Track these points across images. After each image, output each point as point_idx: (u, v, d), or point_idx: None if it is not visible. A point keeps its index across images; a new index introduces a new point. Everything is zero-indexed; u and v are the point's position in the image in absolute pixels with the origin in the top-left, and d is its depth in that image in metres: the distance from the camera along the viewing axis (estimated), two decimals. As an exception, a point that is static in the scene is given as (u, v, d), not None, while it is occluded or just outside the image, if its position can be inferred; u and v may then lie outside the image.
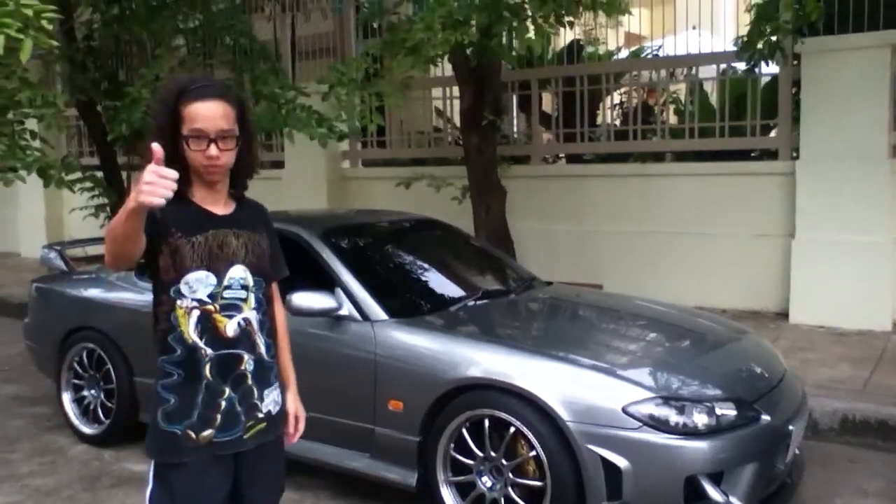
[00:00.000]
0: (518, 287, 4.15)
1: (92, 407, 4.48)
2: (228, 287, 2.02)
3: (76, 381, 4.58)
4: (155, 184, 1.65)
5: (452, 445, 3.18)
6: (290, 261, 3.99)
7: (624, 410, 2.86)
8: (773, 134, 7.01)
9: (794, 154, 6.54)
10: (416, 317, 3.56)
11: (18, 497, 3.78)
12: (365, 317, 3.51)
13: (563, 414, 2.90)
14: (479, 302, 3.82)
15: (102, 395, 4.45)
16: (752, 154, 7.20)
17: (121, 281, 4.44)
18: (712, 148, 7.00)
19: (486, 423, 3.08)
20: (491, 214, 6.89)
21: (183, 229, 1.98)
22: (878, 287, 5.88)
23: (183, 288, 1.99)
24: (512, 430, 3.02)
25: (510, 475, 3.06)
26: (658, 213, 6.96)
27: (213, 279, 2.00)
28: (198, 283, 1.99)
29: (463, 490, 3.18)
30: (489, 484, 3.11)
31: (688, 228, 6.80)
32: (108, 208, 7.74)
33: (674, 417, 2.85)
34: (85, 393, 4.54)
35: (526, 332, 3.57)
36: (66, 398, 4.60)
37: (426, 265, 4.10)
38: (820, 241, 6.09)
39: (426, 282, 3.94)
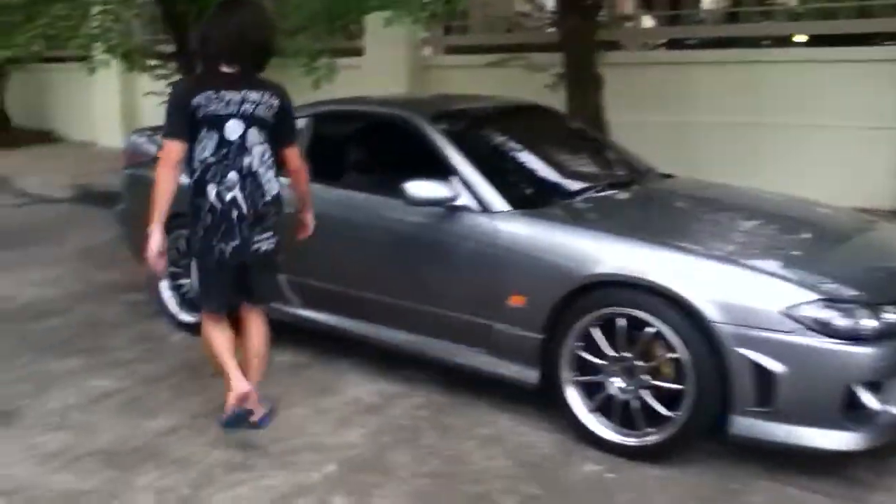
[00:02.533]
0: (639, 178, 3.84)
1: (190, 296, 4.41)
2: None
3: (174, 269, 4.50)
4: None
5: (580, 344, 2.97)
6: (397, 147, 3.78)
7: (784, 312, 2.59)
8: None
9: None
10: (540, 208, 3.31)
11: (127, 383, 3.76)
12: (485, 208, 3.28)
13: (713, 314, 2.66)
14: (602, 193, 3.55)
15: (201, 284, 4.37)
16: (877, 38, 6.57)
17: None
18: (835, 31, 6.38)
19: (619, 322, 2.86)
20: (587, 104, 6.49)
21: None
22: None
23: None
24: (650, 330, 2.79)
25: (644, 377, 2.85)
26: (764, 104, 6.45)
27: None
28: None
29: (589, 391, 3.00)
30: (620, 385, 2.92)
31: (796, 120, 6.29)
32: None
33: (838, 321, 2.58)
34: (183, 281, 4.46)
35: (660, 226, 3.26)
36: (165, 286, 4.54)
37: (542, 153, 3.80)
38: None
39: (545, 171, 3.65)
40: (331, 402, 3.50)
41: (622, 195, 3.59)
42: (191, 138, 2.92)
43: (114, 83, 10.69)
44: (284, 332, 4.15)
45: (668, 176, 4.06)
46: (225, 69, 2.94)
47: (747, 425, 2.68)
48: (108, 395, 3.65)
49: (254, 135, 2.94)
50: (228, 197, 2.92)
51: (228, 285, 3.06)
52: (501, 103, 4.38)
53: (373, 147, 4.19)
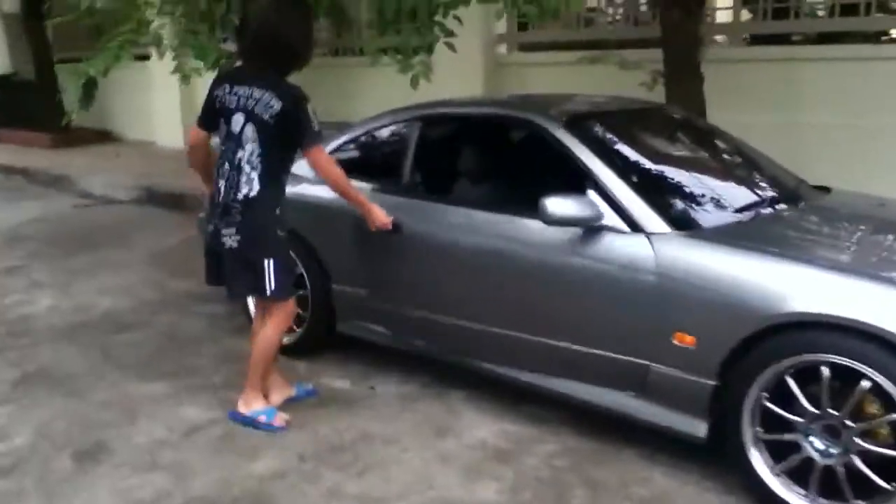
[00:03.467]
0: (801, 193, 3.36)
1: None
2: None
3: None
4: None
5: (767, 395, 2.51)
6: (521, 156, 3.34)
7: None
8: None
9: None
10: (703, 229, 2.85)
11: (219, 413, 3.39)
12: (636, 228, 2.83)
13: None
14: (770, 211, 3.07)
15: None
16: None
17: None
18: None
19: (823, 371, 2.39)
20: (690, 104, 5.99)
21: None
22: None
23: None
24: (865, 383, 2.32)
25: (856, 439, 2.38)
26: (882, 104, 5.88)
27: None
28: None
29: (778, 450, 2.53)
30: (821, 447, 2.45)
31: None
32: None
33: None
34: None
35: (857, 252, 2.76)
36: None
37: (688, 162, 3.34)
38: None
39: (698, 183, 3.17)
40: (451, 445, 3.08)
41: (793, 213, 3.11)
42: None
43: (173, 81, 10.40)
44: (388, 357, 3.77)
45: (824, 188, 3.56)
46: (244, 64, 3.15)
47: None
48: (200, 428, 3.28)
49: (250, 131, 3.03)
50: (219, 184, 3.11)
51: (214, 268, 3.26)
52: (626, 105, 3.92)
53: (491, 156, 3.77)
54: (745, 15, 7.32)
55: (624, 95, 5.81)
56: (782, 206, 3.13)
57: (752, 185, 3.33)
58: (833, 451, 2.42)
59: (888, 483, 2.32)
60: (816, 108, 6.17)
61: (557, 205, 2.83)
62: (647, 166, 3.19)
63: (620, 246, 2.82)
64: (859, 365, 2.31)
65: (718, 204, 3.06)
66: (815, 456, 2.45)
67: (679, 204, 3.00)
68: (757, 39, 7.19)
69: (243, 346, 4.10)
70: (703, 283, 2.62)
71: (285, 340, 4.01)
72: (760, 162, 3.62)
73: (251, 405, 3.29)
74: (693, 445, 2.74)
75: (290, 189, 3.92)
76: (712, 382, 2.61)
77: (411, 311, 3.48)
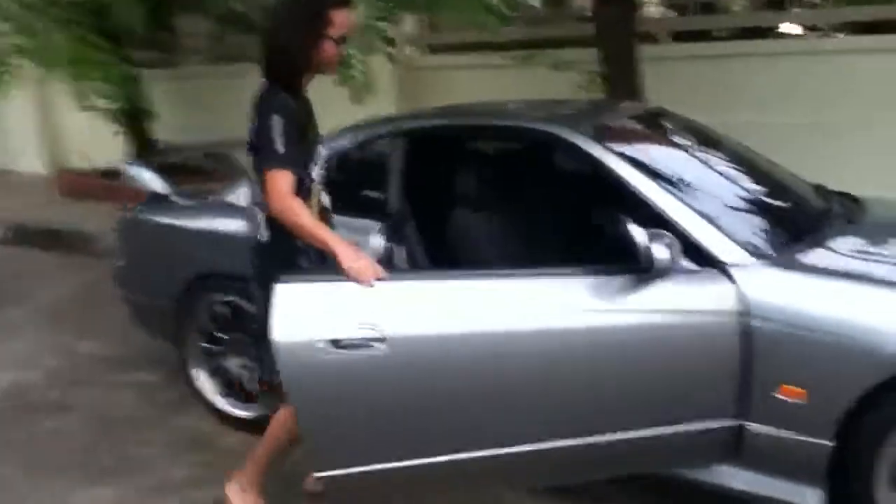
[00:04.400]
0: (847, 206, 3.04)
1: (244, 380, 3.36)
2: None
3: (208, 346, 3.45)
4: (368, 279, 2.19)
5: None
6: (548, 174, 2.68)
7: None
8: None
9: None
10: (789, 255, 2.44)
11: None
12: (709, 260, 2.37)
13: None
14: (844, 230, 2.72)
15: (253, 364, 3.32)
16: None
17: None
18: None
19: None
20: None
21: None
22: None
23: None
24: None
25: None
26: (823, 101, 5.80)
27: None
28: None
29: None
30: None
31: (862, 118, 5.67)
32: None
33: None
34: (228, 363, 3.41)
35: None
36: (198, 371, 3.47)
37: (729, 176, 2.91)
38: None
39: (757, 204, 2.78)
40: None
41: (864, 229, 2.75)
42: None
43: (29, 101, 9.23)
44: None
45: (850, 196, 3.25)
46: None
47: None
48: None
49: (252, 161, 2.42)
50: None
51: None
52: (633, 110, 3.48)
53: (507, 189, 3.22)
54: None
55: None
56: (847, 223, 2.79)
57: (799, 200, 2.97)
58: None
59: None
60: (751, 107, 6.02)
61: (658, 248, 2.19)
62: (700, 184, 2.73)
63: (689, 284, 2.34)
64: None
65: (782, 223, 2.68)
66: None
67: (750, 228, 2.56)
68: (682, 36, 7.02)
69: (200, 425, 3.41)
70: (807, 322, 2.20)
71: (244, 414, 3.37)
72: (779, 170, 3.28)
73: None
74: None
75: (232, 224, 3.31)
76: (829, 443, 2.20)
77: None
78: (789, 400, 2.24)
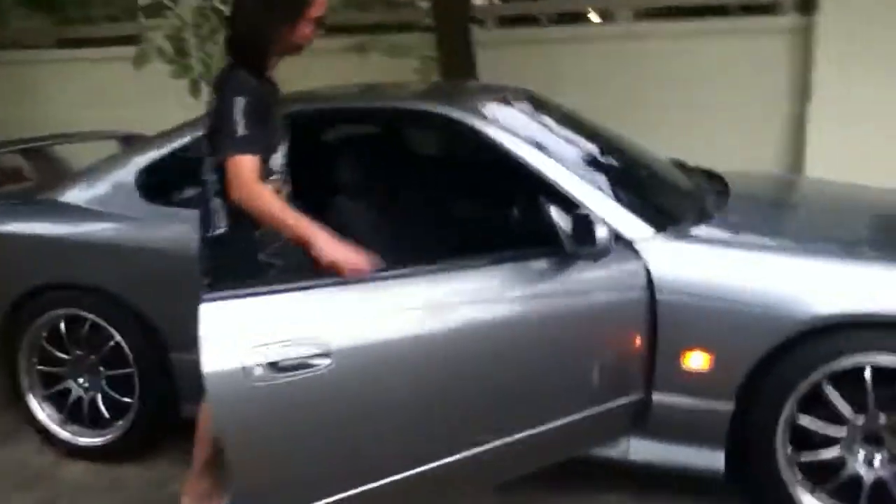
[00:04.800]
0: (708, 177, 3.15)
1: (86, 403, 2.96)
2: None
3: (44, 368, 3.00)
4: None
5: (797, 414, 2.23)
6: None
7: None
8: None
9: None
10: (684, 229, 2.45)
11: None
12: (617, 238, 2.30)
13: None
14: (733, 201, 2.80)
15: (105, 384, 2.94)
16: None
17: (121, 207, 2.86)
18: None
19: (868, 373, 2.16)
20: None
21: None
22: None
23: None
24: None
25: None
26: (643, 84, 6.11)
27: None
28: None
29: (812, 473, 2.27)
30: (877, 462, 2.22)
31: (681, 99, 6.02)
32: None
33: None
34: (71, 385, 2.98)
35: (847, 236, 2.56)
36: (34, 394, 3.01)
37: (614, 156, 2.89)
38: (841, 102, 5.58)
39: (642, 179, 2.78)
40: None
41: (741, 203, 2.83)
42: None
43: None
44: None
45: (708, 171, 3.37)
46: None
47: None
48: None
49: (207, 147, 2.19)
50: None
51: None
52: (495, 91, 3.39)
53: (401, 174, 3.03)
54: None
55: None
56: (728, 196, 2.86)
57: (677, 178, 3.03)
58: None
59: None
60: (575, 91, 6.19)
61: (600, 228, 2.10)
62: (591, 165, 2.70)
63: (605, 265, 2.26)
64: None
65: (678, 198, 2.72)
66: (861, 473, 2.23)
67: (645, 205, 2.53)
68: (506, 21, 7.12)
69: (31, 458, 3.00)
70: (711, 292, 2.25)
71: (98, 441, 2.97)
72: (646, 150, 3.35)
73: None
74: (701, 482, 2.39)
75: (74, 228, 2.90)
76: (728, 407, 2.27)
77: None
78: (694, 368, 2.28)
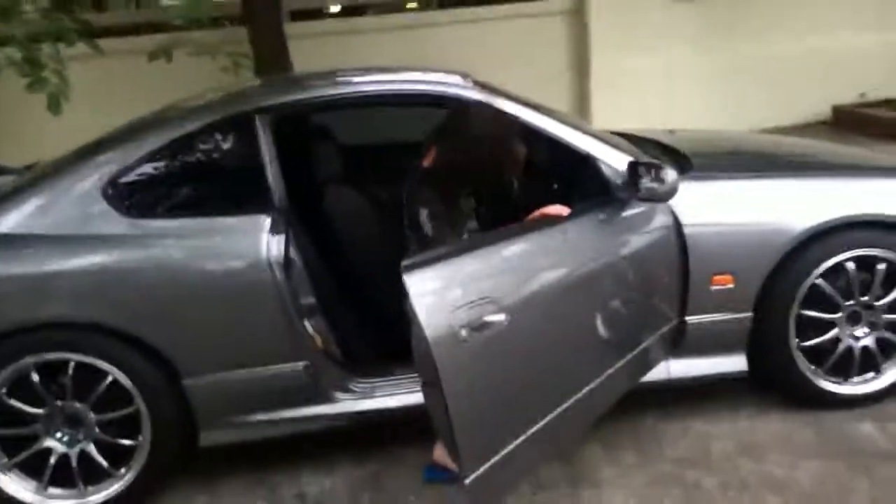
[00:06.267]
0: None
1: (73, 458, 2.56)
2: None
3: (7, 432, 2.54)
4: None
5: (800, 305, 2.70)
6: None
7: None
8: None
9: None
10: (695, 174, 2.79)
11: None
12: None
13: None
14: (691, 154, 3.11)
15: (98, 431, 2.56)
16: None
17: (95, 227, 2.50)
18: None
19: (850, 263, 2.68)
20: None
21: None
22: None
23: None
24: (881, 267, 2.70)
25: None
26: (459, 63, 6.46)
27: None
28: None
29: (816, 354, 2.76)
30: (863, 331, 2.75)
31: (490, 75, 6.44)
32: None
33: None
34: (50, 444, 2.55)
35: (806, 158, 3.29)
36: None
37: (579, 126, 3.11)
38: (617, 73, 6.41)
39: (632, 139, 3.11)
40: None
41: (709, 156, 3.20)
42: None
43: None
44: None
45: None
46: None
47: None
48: None
49: None
50: None
51: None
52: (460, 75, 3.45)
53: None
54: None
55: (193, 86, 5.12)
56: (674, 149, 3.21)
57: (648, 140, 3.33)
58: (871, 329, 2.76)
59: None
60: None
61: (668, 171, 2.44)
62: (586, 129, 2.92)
63: (643, 208, 2.58)
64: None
65: (663, 155, 3.03)
66: (851, 343, 2.75)
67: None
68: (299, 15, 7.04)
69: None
70: (726, 219, 2.66)
71: (100, 498, 2.59)
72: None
73: None
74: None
75: (58, 259, 2.50)
76: (749, 314, 2.69)
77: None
78: (720, 287, 2.65)
